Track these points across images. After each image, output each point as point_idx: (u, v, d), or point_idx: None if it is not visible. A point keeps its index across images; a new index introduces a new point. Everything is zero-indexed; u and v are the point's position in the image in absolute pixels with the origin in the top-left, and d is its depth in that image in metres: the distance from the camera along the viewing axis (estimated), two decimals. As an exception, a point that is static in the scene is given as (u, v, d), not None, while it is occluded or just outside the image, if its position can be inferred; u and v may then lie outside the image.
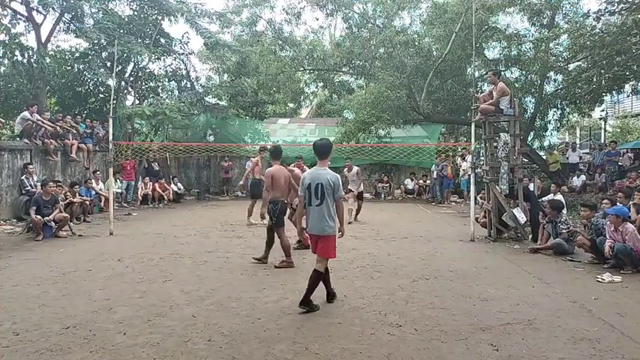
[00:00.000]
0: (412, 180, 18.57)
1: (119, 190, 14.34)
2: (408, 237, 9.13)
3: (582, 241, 7.07)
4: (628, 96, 19.59)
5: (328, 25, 25.31)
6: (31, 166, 11.26)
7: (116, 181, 13.51)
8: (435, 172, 16.78)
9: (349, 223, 10.54)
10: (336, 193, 4.67)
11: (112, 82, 14.27)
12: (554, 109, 17.20)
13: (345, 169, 11.99)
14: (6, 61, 14.69)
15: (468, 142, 11.75)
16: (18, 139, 11.95)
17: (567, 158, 16.52)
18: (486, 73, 12.07)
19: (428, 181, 18.07)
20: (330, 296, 4.94)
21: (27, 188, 10.89)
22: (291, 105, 30.40)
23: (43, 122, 12.13)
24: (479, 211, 10.11)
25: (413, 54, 16.80)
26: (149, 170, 15.96)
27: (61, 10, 14.73)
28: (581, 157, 16.90)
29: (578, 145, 20.28)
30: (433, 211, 13.98)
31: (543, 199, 9.66)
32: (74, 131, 13.47)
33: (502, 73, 15.72)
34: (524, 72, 16.30)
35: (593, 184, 14.36)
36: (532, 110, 16.78)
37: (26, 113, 12.00)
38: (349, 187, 11.44)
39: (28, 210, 9.21)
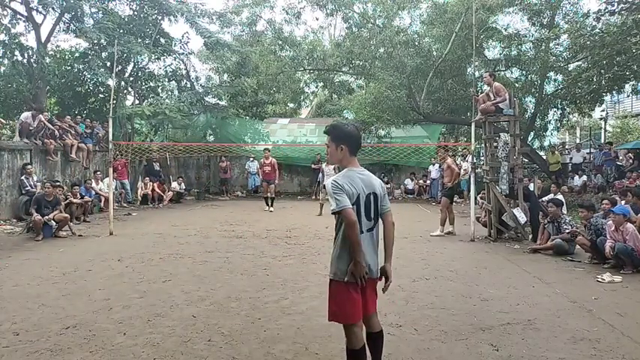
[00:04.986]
0: (412, 180, 18.54)
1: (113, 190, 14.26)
2: (408, 237, 9.10)
3: (582, 241, 7.08)
4: (628, 96, 19.60)
5: (328, 25, 25.42)
6: (29, 166, 11.24)
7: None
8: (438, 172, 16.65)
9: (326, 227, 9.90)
10: (385, 206, 3.02)
11: (111, 82, 14.25)
12: (554, 109, 17.24)
13: (324, 164, 11.97)
14: (6, 61, 14.67)
15: (468, 142, 11.75)
16: (18, 138, 11.95)
17: (571, 158, 16.52)
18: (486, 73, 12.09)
19: (428, 181, 18.05)
20: None
21: (27, 188, 10.90)
22: (291, 105, 30.38)
23: (45, 123, 12.13)
24: (479, 211, 10.11)
25: (413, 54, 16.82)
26: (150, 169, 15.92)
27: (61, 10, 14.70)
28: (585, 158, 16.90)
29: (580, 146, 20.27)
30: (433, 211, 13.95)
31: (543, 199, 9.66)
32: (72, 132, 13.46)
33: (499, 73, 15.75)
34: (524, 72, 16.32)
35: (594, 185, 14.39)
36: (532, 110, 16.79)
37: (26, 114, 11.98)
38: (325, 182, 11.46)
39: (29, 210, 9.21)
